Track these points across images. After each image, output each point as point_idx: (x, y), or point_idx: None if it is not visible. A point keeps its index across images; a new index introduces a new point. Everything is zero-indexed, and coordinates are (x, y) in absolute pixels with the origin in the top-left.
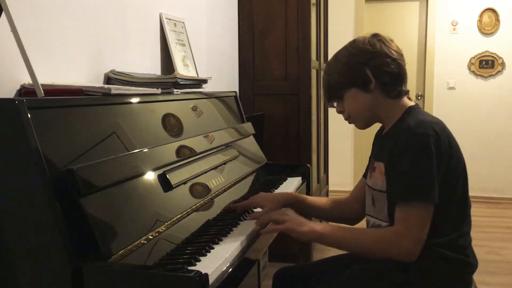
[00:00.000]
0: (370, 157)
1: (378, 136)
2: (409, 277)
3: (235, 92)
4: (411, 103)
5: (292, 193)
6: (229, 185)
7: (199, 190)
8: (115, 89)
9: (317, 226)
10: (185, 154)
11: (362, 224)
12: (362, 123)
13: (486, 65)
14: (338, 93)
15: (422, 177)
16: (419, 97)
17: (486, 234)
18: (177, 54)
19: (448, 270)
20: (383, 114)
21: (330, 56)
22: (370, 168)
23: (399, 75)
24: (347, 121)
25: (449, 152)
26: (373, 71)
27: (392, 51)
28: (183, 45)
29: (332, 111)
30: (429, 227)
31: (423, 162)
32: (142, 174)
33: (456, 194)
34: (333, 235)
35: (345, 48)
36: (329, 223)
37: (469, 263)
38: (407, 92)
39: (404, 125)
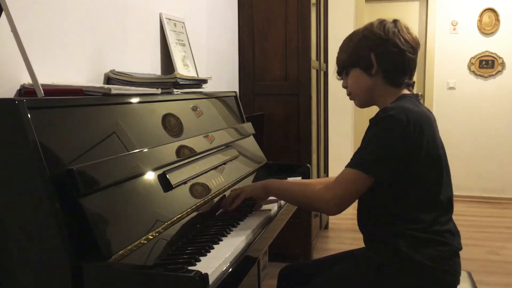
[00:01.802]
0: None
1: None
2: (384, 259)
3: (235, 92)
4: (408, 92)
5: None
6: (229, 185)
7: (199, 190)
8: (115, 89)
9: (265, 181)
10: (185, 154)
11: None
12: (360, 103)
13: (486, 65)
14: (344, 70)
15: (373, 152)
16: (419, 97)
17: (486, 234)
18: (177, 54)
19: (423, 250)
20: (380, 99)
21: (330, 56)
22: None
23: (403, 66)
24: (350, 109)
25: (417, 141)
26: (377, 57)
27: (403, 41)
28: (183, 45)
29: (331, 111)
30: (402, 212)
31: (381, 141)
32: (142, 174)
33: (424, 186)
34: (275, 185)
35: (362, 29)
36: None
37: (445, 243)
38: (410, 84)
39: (384, 108)
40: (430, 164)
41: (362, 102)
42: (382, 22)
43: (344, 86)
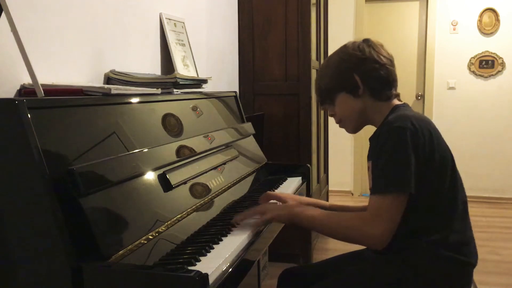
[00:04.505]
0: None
1: (371, 138)
2: (401, 275)
3: (235, 92)
4: (398, 102)
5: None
6: (229, 185)
7: (199, 190)
8: (115, 89)
9: (293, 209)
10: (185, 154)
11: None
12: (352, 127)
13: (486, 65)
14: (329, 97)
15: (396, 169)
16: (419, 97)
17: (486, 234)
18: (177, 54)
19: (441, 268)
20: (374, 116)
21: None
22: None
23: (388, 80)
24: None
25: (429, 145)
26: (361, 77)
27: (381, 57)
28: (183, 45)
29: None
30: (419, 223)
31: (399, 154)
32: (142, 174)
33: (442, 190)
34: (306, 217)
35: (336, 53)
36: (310, 207)
37: (465, 262)
38: (397, 95)
39: (385, 122)
40: (445, 166)
41: (355, 126)
42: (355, 43)
43: (331, 115)
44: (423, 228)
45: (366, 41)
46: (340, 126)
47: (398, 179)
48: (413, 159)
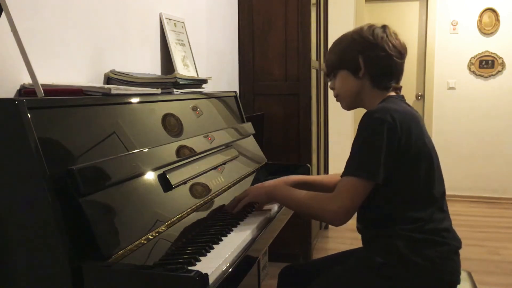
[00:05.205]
0: None
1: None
2: (384, 260)
3: (235, 92)
4: (392, 93)
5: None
6: (229, 185)
7: (199, 190)
8: (115, 89)
9: (271, 189)
10: (185, 154)
11: None
12: (346, 104)
13: (486, 65)
14: (333, 71)
15: (367, 157)
16: (419, 97)
17: (486, 234)
18: (177, 54)
19: (420, 251)
20: (367, 101)
21: None
22: None
23: (390, 71)
24: (343, 111)
25: (406, 140)
26: (365, 61)
27: (391, 46)
28: (183, 45)
29: (331, 111)
30: (398, 212)
31: (373, 144)
32: (142, 174)
33: (417, 182)
34: (281, 194)
35: (351, 32)
36: (287, 187)
37: (442, 242)
38: (397, 88)
39: (369, 110)
40: (420, 160)
41: (348, 104)
42: (371, 27)
43: (332, 88)
44: (401, 217)
45: (384, 27)
46: (337, 101)
47: (367, 166)
48: (385, 151)
